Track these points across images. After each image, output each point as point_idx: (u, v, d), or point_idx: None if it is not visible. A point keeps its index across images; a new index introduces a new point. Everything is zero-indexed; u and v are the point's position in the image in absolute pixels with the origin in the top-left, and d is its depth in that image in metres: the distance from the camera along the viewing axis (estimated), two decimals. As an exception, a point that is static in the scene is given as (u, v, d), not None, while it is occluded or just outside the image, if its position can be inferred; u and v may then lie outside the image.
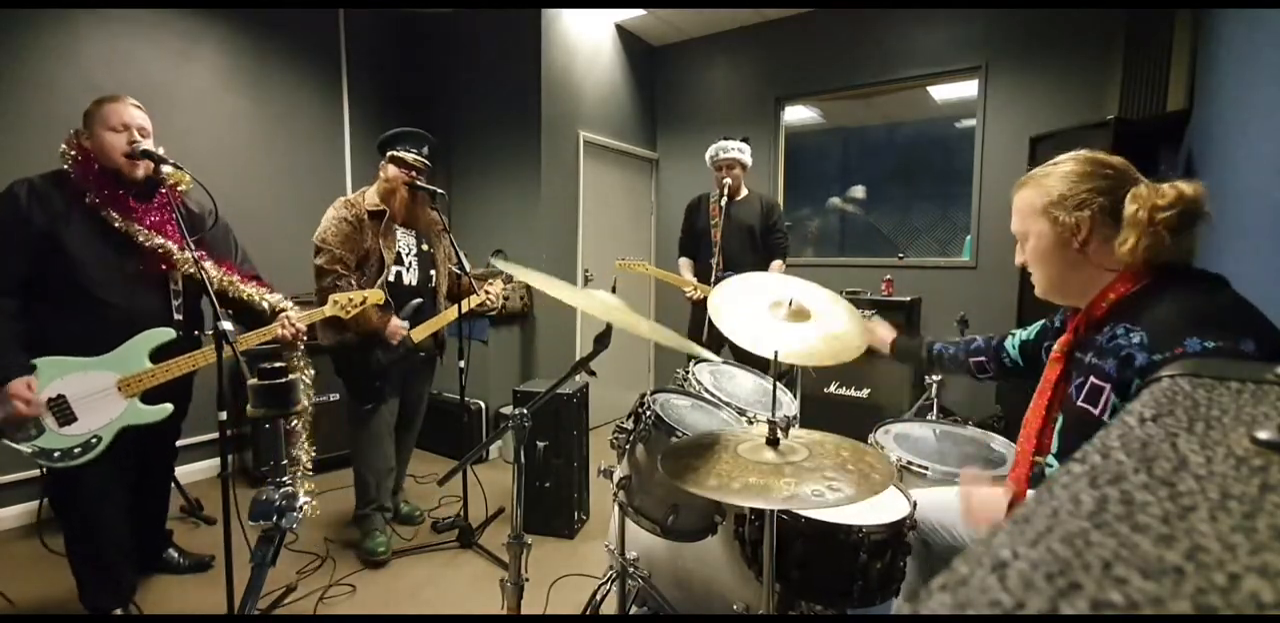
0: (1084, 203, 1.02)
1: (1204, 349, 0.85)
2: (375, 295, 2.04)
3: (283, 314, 1.92)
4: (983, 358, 1.49)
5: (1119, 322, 0.98)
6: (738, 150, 3.02)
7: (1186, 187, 0.96)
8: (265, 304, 1.93)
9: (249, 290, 1.92)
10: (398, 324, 2.23)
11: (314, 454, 1.97)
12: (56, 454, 1.64)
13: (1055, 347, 1.14)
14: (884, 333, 1.67)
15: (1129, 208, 0.98)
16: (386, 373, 2.27)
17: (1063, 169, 1.06)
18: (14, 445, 1.62)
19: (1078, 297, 1.09)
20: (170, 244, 1.79)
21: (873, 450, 1.13)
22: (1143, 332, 0.92)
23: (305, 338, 1.94)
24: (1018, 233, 1.13)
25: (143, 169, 1.77)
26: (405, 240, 2.35)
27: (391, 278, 2.28)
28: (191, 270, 1.79)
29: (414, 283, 2.36)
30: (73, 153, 1.72)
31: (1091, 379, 0.99)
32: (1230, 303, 0.94)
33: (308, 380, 1.96)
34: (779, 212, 3.17)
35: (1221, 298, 0.95)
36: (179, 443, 2.17)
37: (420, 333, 2.31)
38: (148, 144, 1.76)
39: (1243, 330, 0.86)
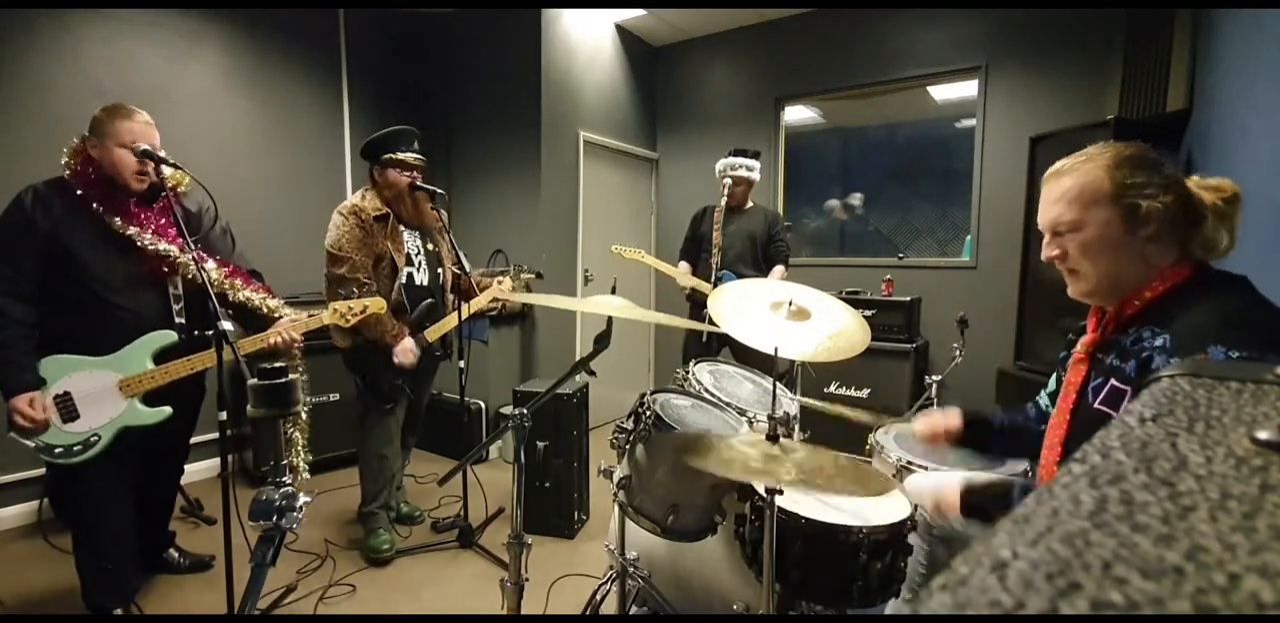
0: (1167, 188, 0.95)
1: (1227, 358, 0.81)
2: (377, 304, 2.03)
3: (280, 321, 1.91)
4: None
5: (1146, 324, 0.95)
6: (746, 169, 3.08)
7: (1227, 181, 0.96)
8: (264, 309, 1.93)
9: (248, 294, 1.91)
10: (408, 346, 2.21)
11: (309, 459, 1.97)
12: (58, 450, 1.67)
13: (1078, 348, 1.09)
14: (951, 421, 1.32)
15: (1208, 197, 0.94)
16: (407, 372, 2.28)
17: (1127, 153, 0.99)
18: (20, 440, 1.66)
19: (1123, 294, 1.01)
20: (172, 248, 1.79)
21: (869, 467, 1.12)
22: (1166, 335, 0.89)
23: (301, 346, 1.93)
24: (1066, 223, 1.02)
25: (147, 182, 1.78)
26: (412, 242, 2.35)
27: (404, 280, 2.28)
28: (193, 273, 1.79)
29: (424, 282, 2.37)
30: (75, 161, 1.74)
31: (1112, 382, 0.96)
32: (1263, 311, 0.90)
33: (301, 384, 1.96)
34: (781, 223, 3.26)
35: (1255, 305, 0.92)
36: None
37: (434, 333, 2.31)
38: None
39: (1271, 343, 0.83)
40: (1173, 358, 0.86)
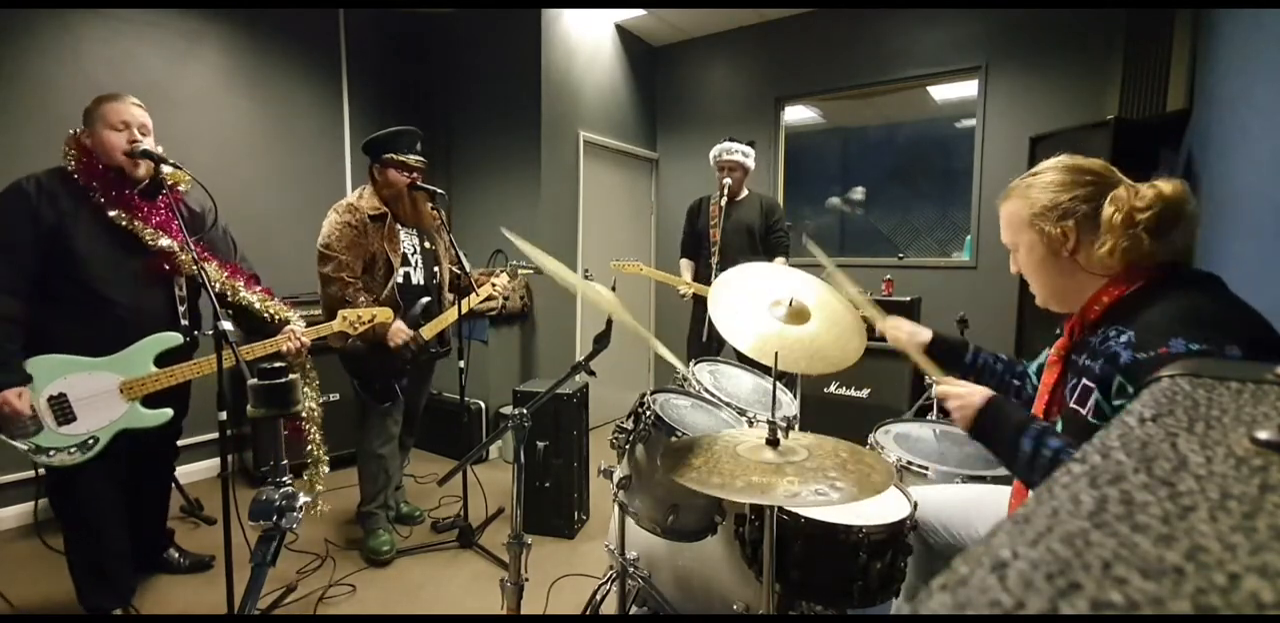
0: (1068, 212, 1.02)
1: (1188, 350, 0.85)
2: (384, 314, 2.04)
3: (288, 328, 1.91)
4: (1020, 382, 1.43)
5: (1113, 324, 0.97)
6: (741, 153, 3.04)
7: (1165, 186, 0.96)
8: (268, 314, 1.93)
9: (251, 298, 1.91)
10: (398, 328, 2.22)
11: (326, 455, 1.99)
12: (52, 453, 1.64)
13: (1052, 351, 1.14)
14: (910, 327, 1.41)
15: (1106, 211, 0.98)
16: (402, 372, 2.27)
17: (1044, 179, 1.06)
18: (10, 442, 1.63)
19: (1075, 303, 1.08)
20: (175, 245, 1.79)
21: (871, 453, 1.12)
22: (1130, 331, 0.92)
23: (308, 351, 1.94)
24: (1008, 244, 1.13)
25: (144, 168, 1.77)
26: (409, 241, 2.34)
27: (400, 279, 2.28)
28: (194, 271, 1.79)
29: (420, 282, 2.36)
30: (74, 152, 1.72)
31: (1083, 381, 0.99)
32: (1223, 306, 0.93)
33: (312, 387, 1.97)
34: (780, 212, 3.20)
35: (1215, 300, 0.94)
36: (179, 443, 2.18)
37: (429, 331, 2.31)
38: (148, 143, 1.76)
39: (1231, 335, 0.86)
40: (1137, 353, 0.89)
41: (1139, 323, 0.93)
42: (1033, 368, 1.40)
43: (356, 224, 2.20)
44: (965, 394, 1.13)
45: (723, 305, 1.35)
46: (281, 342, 1.86)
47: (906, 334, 1.40)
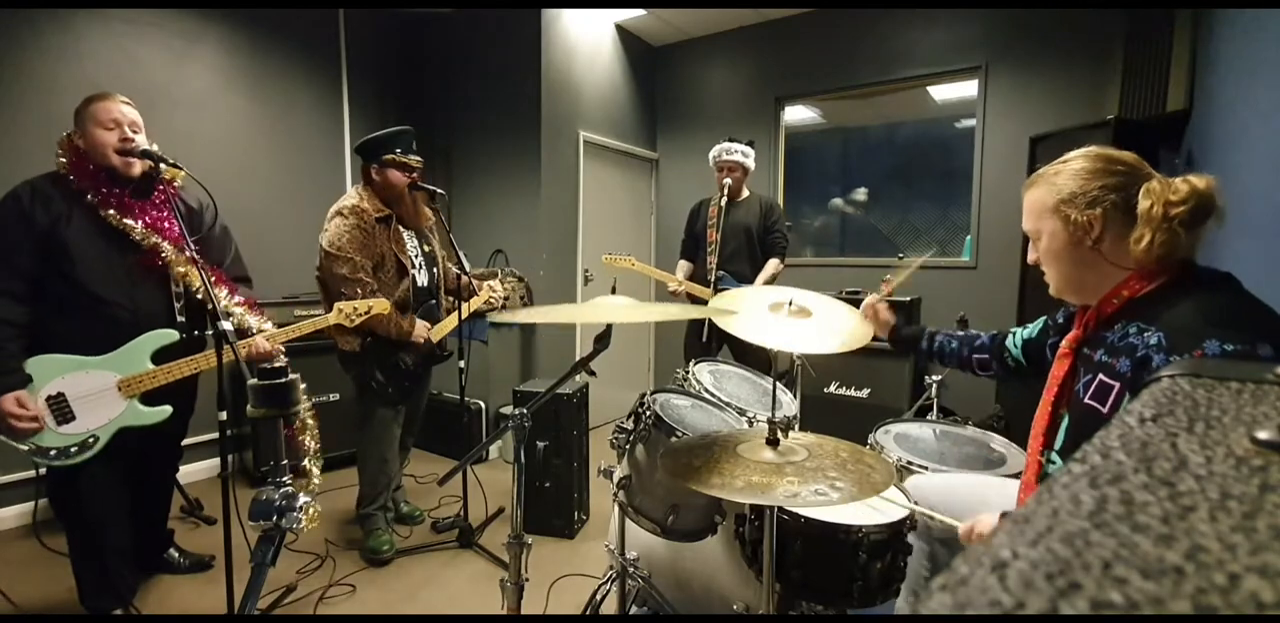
0: (1096, 200, 1.00)
1: (1223, 352, 0.84)
2: (381, 305, 2.03)
3: (265, 333, 1.85)
4: (985, 355, 1.46)
5: (1132, 320, 0.96)
6: (741, 153, 3.03)
7: (1198, 181, 0.95)
8: (243, 325, 1.85)
9: (228, 307, 1.85)
10: (423, 325, 2.24)
11: (321, 463, 1.96)
12: (53, 453, 1.64)
13: (1063, 343, 1.12)
14: (886, 315, 1.57)
15: (1143, 204, 0.96)
16: (412, 374, 2.28)
17: (1073, 166, 1.04)
18: (11, 443, 1.63)
19: (1092, 295, 1.07)
20: (165, 243, 1.78)
21: (871, 453, 1.12)
22: (1160, 333, 0.91)
23: (283, 352, 1.87)
24: (1030, 232, 1.11)
25: (138, 166, 1.77)
26: (410, 243, 2.35)
27: (408, 281, 2.28)
28: (184, 270, 1.78)
29: (425, 284, 2.37)
30: (67, 154, 1.73)
31: (1100, 377, 0.98)
32: (1248, 305, 0.92)
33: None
34: (779, 212, 3.17)
35: (1240, 299, 0.94)
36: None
37: (437, 334, 2.32)
38: (140, 140, 1.76)
39: (1261, 334, 0.85)
40: (1170, 356, 0.88)
41: (1166, 322, 0.91)
42: (1015, 340, 1.41)
43: (365, 226, 2.18)
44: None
45: (729, 321, 1.36)
46: (251, 343, 1.79)
47: (883, 317, 1.57)
